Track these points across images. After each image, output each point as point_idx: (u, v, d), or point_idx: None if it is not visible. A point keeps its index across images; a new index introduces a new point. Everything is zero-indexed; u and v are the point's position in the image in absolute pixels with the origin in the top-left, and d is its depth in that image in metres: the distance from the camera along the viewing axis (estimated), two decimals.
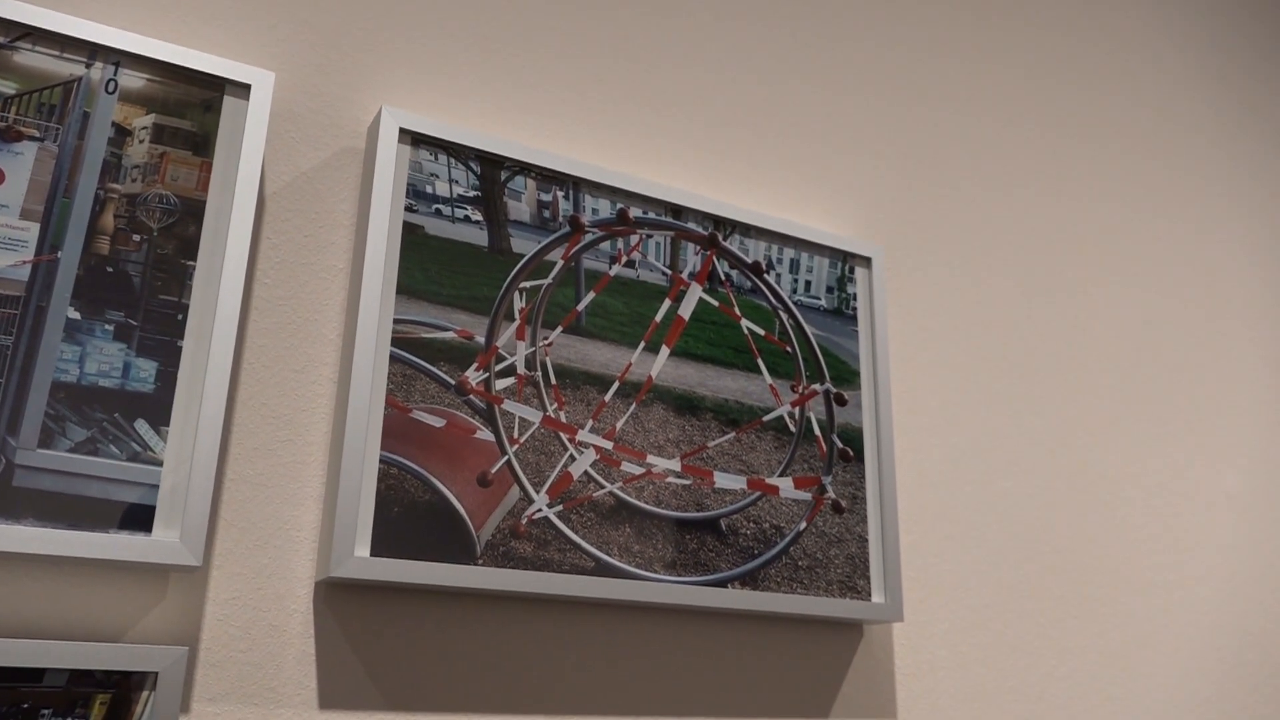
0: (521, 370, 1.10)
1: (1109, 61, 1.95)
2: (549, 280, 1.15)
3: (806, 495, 1.25)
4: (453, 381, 1.06)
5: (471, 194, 1.13)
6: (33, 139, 0.92)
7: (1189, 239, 1.94)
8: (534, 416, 1.10)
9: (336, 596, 0.99)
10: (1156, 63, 2.03)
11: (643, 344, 1.19)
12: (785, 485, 1.24)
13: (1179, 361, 1.82)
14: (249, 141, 1.01)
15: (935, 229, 1.59)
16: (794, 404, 1.28)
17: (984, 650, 1.41)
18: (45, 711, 0.82)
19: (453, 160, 1.13)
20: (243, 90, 1.02)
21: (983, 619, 1.42)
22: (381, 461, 1.00)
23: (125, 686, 0.85)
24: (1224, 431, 1.84)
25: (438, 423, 1.04)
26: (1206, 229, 1.98)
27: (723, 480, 1.19)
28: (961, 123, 1.68)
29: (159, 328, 0.93)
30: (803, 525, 1.23)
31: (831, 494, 1.27)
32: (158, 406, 0.91)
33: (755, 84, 1.46)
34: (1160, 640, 1.60)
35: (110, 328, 0.91)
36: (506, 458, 1.07)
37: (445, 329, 1.07)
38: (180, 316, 0.94)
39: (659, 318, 1.21)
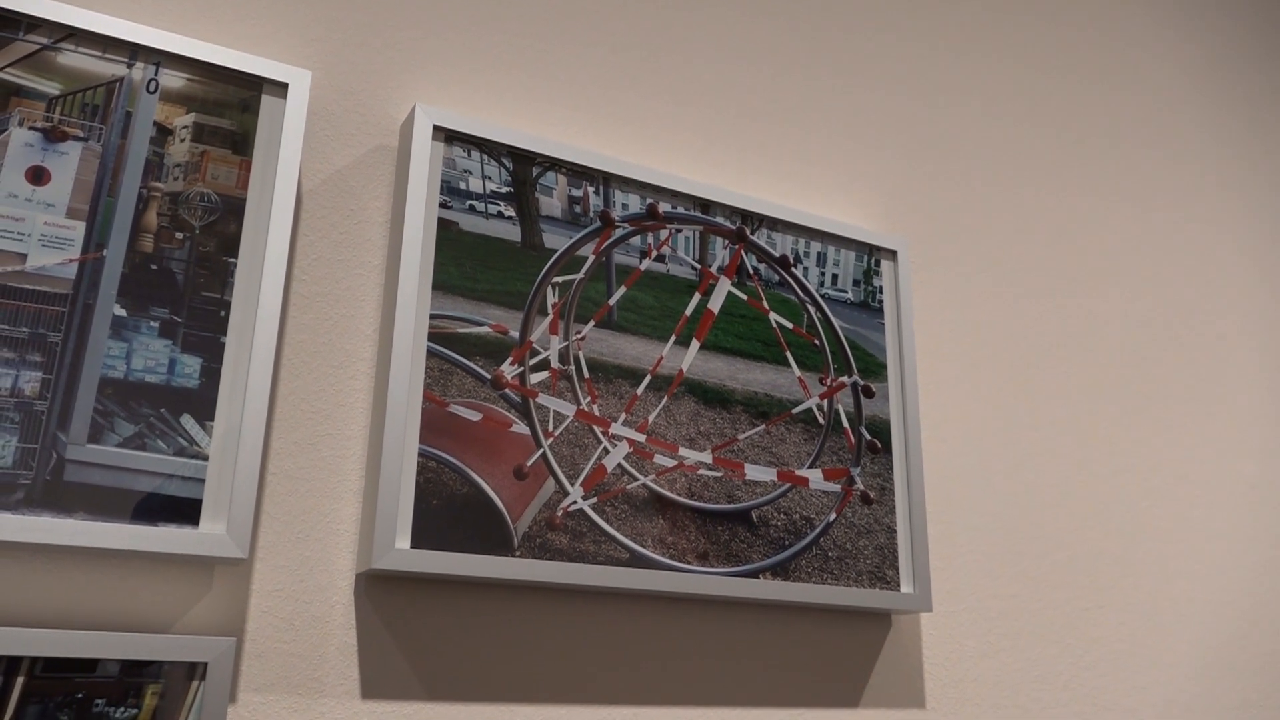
0: (555, 364, 1.11)
1: (1132, 57, 1.95)
2: (581, 275, 1.16)
3: (835, 487, 1.26)
4: (488, 376, 1.07)
5: (504, 190, 1.14)
6: (77, 139, 0.94)
7: (1211, 230, 1.94)
8: (568, 410, 1.11)
9: (377, 588, 1.01)
10: (1180, 59, 2.03)
11: (673, 338, 1.20)
12: (815, 477, 1.25)
13: (1200, 351, 1.83)
14: (287, 140, 1.02)
15: (960, 222, 1.59)
16: (822, 396, 1.29)
17: (1011, 639, 1.42)
18: (99, 701, 0.83)
19: (485, 157, 1.14)
20: (280, 89, 1.04)
21: (1010, 608, 1.43)
22: (420, 455, 1.01)
23: (176, 677, 0.86)
24: (1244, 420, 1.85)
25: (474, 416, 1.05)
26: (1227, 220, 1.98)
27: (753, 472, 1.21)
28: (986, 116, 1.69)
29: (202, 324, 0.95)
30: (832, 516, 1.24)
31: (860, 485, 1.28)
32: (202, 401, 0.93)
33: (782, 79, 1.47)
34: (1185, 628, 1.61)
35: (155, 324, 0.93)
36: (542, 451, 1.08)
37: (480, 324, 1.08)
38: (223, 313, 0.96)
39: (689, 311, 1.22)
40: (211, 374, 0.94)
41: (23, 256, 0.89)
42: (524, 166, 1.16)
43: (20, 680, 0.81)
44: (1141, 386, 1.72)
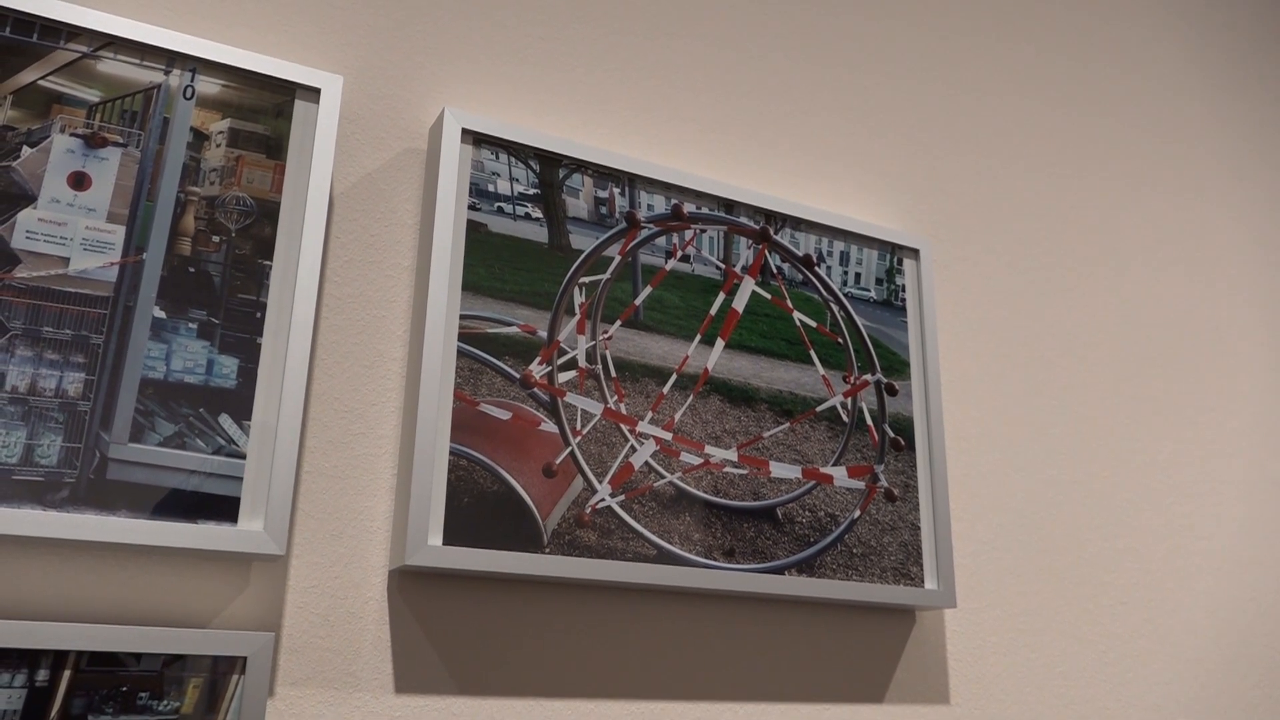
0: (583, 363, 1.13)
1: (1154, 53, 1.95)
2: (607, 275, 1.18)
3: (860, 484, 1.27)
4: (517, 375, 1.09)
5: (531, 192, 1.16)
6: (117, 144, 0.96)
7: (1238, 224, 1.94)
8: (595, 409, 1.12)
9: (410, 584, 1.03)
10: (1201, 53, 2.03)
11: (699, 337, 1.21)
12: (839, 474, 1.26)
13: (1228, 346, 1.83)
14: (319, 144, 1.04)
15: (982, 220, 1.60)
16: (846, 394, 1.30)
17: (1035, 635, 1.43)
18: (142, 695, 0.85)
19: (513, 159, 1.16)
20: (313, 94, 1.05)
21: (1034, 605, 1.44)
22: (451, 453, 1.03)
23: (216, 671, 0.88)
24: (1273, 416, 1.84)
25: (504, 415, 1.07)
26: (1254, 213, 1.98)
27: (778, 470, 1.22)
28: (1007, 114, 1.69)
29: (239, 325, 0.97)
30: (857, 513, 1.25)
31: (884, 482, 1.29)
32: (240, 401, 0.95)
33: (804, 79, 1.48)
34: (1210, 623, 1.61)
35: (194, 326, 0.95)
36: (570, 449, 1.10)
37: (509, 324, 1.10)
38: (259, 314, 0.98)
39: (714, 311, 1.23)
40: (248, 374, 0.96)
41: (65, 260, 0.91)
42: (551, 168, 1.18)
43: (67, 674, 0.83)
44: (1166, 382, 1.72)
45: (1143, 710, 1.49)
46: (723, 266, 1.26)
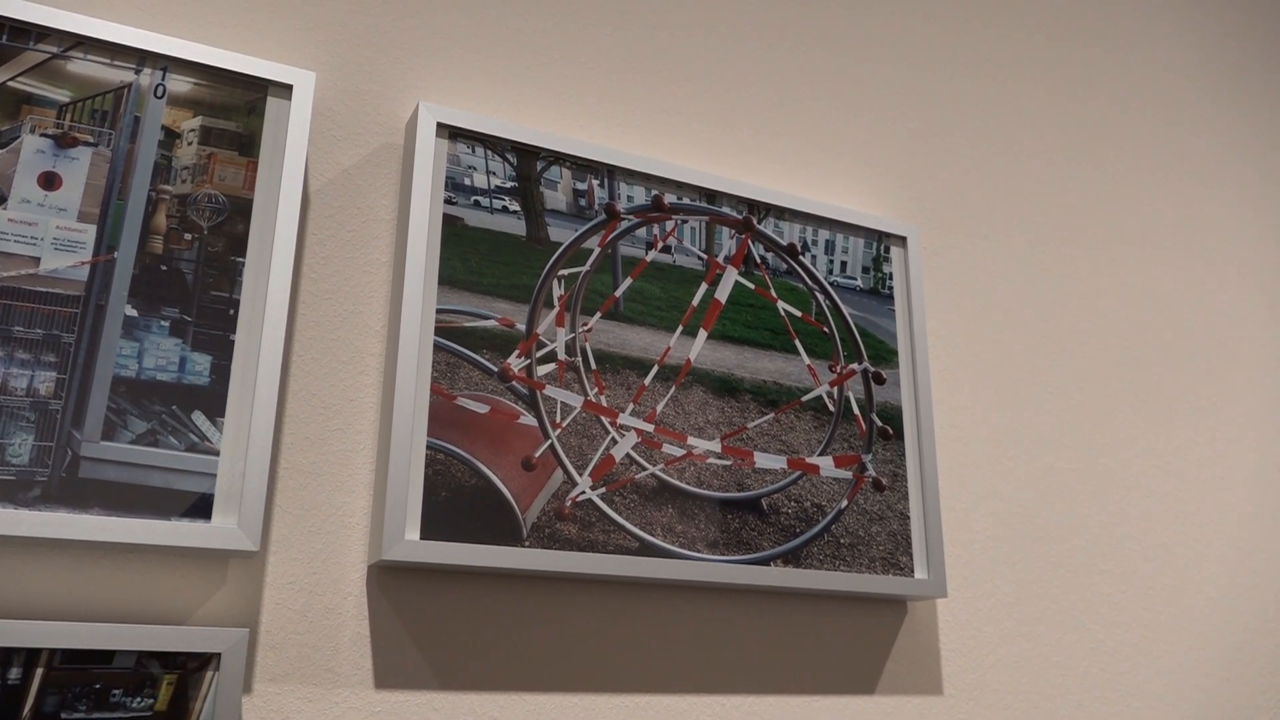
0: (562, 356, 1.13)
1: (1147, 29, 1.93)
2: (586, 267, 1.17)
3: (847, 474, 1.26)
4: (495, 368, 1.08)
5: (509, 185, 1.16)
6: (87, 144, 0.96)
7: (1230, 210, 1.92)
8: (575, 401, 1.12)
9: (389, 579, 1.02)
10: (1196, 36, 2.01)
11: (681, 328, 1.21)
12: (825, 464, 1.25)
13: (1225, 334, 1.81)
14: (292, 140, 1.04)
15: (970, 207, 1.59)
16: (832, 384, 1.29)
17: (1029, 625, 1.41)
18: (116, 692, 0.86)
19: (489, 152, 1.15)
20: (285, 91, 1.05)
21: (1027, 594, 1.43)
22: (428, 448, 1.03)
23: (191, 667, 0.88)
24: (1272, 401, 1.82)
25: (482, 409, 1.07)
26: (1247, 199, 1.96)
27: (763, 460, 1.21)
28: (996, 97, 1.68)
29: (212, 323, 0.97)
30: (844, 503, 1.24)
31: (872, 472, 1.28)
32: (213, 398, 0.95)
33: (787, 67, 1.47)
34: (1209, 614, 1.59)
35: (166, 324, 0.95)
36: (549, 442, 1.09)
37: (487, 317, 1.10)
38: (232, 312, 0.98)
39: (696, 301, 1.23)
40: (221, 371, 0.96)
41: (36, 260, 0.91)
42: (528, 161, 1.17)
43: (40, 671, 0.83)
44: (1165, 369, 1.70)
45: (1143, 700, 1.48)
46: (705, 257, 1.25)
